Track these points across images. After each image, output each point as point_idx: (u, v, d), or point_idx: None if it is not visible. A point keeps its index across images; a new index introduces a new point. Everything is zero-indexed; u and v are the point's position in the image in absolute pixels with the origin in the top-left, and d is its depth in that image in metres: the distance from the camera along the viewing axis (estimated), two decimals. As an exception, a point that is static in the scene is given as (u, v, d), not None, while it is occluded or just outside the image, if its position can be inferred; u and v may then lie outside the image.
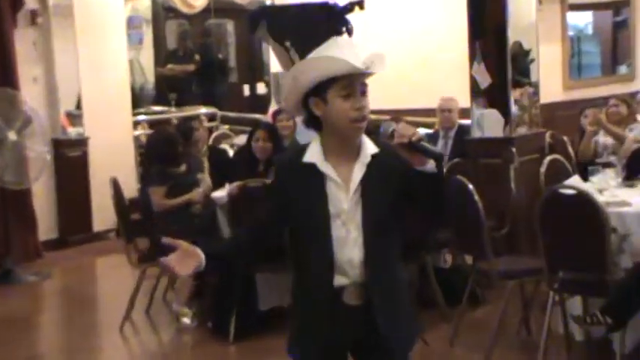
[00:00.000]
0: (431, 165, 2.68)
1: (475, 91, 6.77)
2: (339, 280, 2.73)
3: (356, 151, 2.75)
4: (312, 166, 2.73)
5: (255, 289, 5.86)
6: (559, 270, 4.71)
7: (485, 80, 6.66)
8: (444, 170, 2.76)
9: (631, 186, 5.45)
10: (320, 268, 2.73)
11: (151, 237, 6.15)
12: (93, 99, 9.21)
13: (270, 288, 5.90)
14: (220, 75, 11.99)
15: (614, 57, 11.84)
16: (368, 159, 2.74)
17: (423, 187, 2.71)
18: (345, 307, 2.75)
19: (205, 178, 6.36)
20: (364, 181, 2.72)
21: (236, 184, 5.75)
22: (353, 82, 2.68)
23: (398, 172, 2.73)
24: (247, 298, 5.80)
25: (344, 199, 2.72)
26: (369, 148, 2.76)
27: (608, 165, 6.18)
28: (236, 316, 5.70)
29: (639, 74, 11.05)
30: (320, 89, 2.69)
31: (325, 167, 2.73)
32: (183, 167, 6.29)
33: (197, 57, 11.71)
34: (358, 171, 2.73)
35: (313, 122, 2.77)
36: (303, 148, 2.81)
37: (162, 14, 12.25)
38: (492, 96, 6.71)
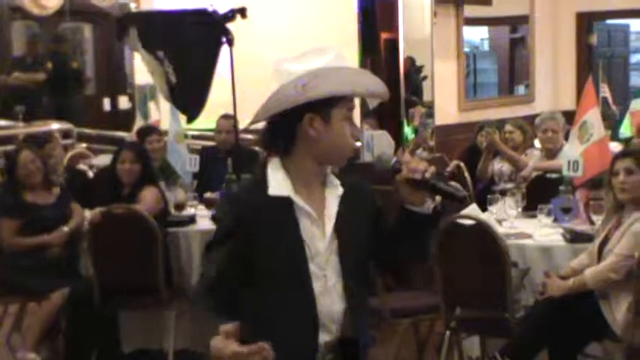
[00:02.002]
0: (428, 206, 2.54)
1: (364, 110, 6.94)
2: (322, 340, 2.54)
3: (322, 180, 2.61)
4: (282, 200, 2.52)
5: (118, 329, 5.82)
6: (456, 307, 4.87)
7: (375, 99, 6.82)
8: None
9: (531, 216, 5.66)
10: (301, 326, 2.52)
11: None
12: None
13: (136, 327, 5.89)
14: (76, 86, 11.80)
15: (512, 76, 12.27)
16: (340, 190, 2.60)
17: (408, 231, 2.56)
18: None
19: (78, 209, 6.02)
20: (339, 217, 2.57)
21: (98, 209, 5.70)
22: (353, 106, 2.58)
23: (370, 213, 2.64)
24: (108, 339, 5.75)
25: (319, 237, 2.55)
26: (334, 179, 2.62)
27: (505, 193, 6.39)
28: (96, 361, 5.64)
29: (538, 96, 11.46)
30: (322, 106, 2.51)
31: (299, 200, 2.53)
32: (52, 197, 5.97)
33: (49, 65, 11.51)
34: (332, 204, 2.58)
35: (281, 141, 2.55)
36: (260, 178, 2.57)
37: (6, 14, 11.99)
38: (383, 116, 6.88)
